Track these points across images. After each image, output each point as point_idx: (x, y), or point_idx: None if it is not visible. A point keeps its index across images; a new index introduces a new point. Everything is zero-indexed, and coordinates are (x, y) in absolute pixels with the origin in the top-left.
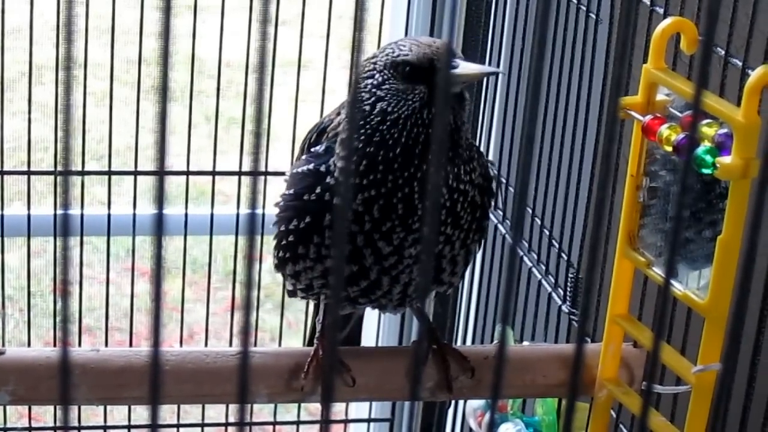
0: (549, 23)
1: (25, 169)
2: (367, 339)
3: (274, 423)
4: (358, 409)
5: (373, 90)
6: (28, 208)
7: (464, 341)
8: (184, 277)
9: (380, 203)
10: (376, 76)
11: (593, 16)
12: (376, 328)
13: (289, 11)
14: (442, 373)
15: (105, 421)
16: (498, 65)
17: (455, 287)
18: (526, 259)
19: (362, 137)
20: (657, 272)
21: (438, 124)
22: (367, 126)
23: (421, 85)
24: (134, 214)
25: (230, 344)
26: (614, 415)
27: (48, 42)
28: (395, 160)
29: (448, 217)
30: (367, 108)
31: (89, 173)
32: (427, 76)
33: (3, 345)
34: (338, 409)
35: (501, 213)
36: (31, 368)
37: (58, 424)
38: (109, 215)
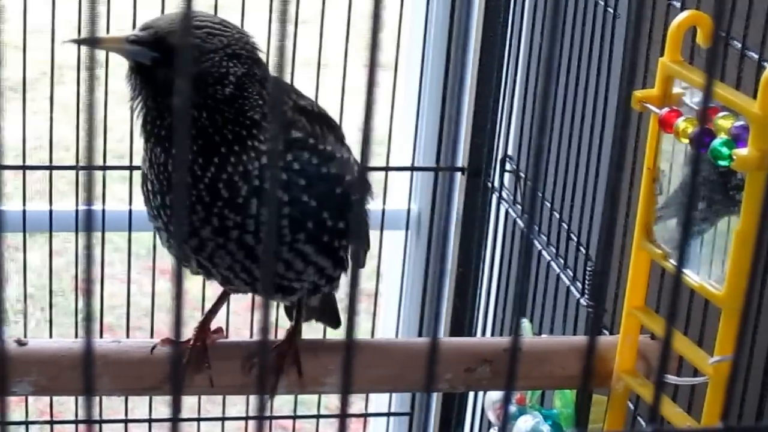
0: (560, 9)
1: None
2: (387, 331)
3: (294, 417)
4: (378, 404)
5: None
6: (50, 204)
7: (483, 333)
8: None
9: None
10: None
11: (611, 11)
12: (395, 321)
13: (309, 10)
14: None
15: (126, 414)
16: (517, 59)
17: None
18: (544, 252)
19: None
20: (674, 264)
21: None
22: None
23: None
24: None
25: None
26: (632, 407)
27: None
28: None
29: (209, 206)
30: None
31: (109, 168)
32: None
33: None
34: (359, 406)
35: (520, 208)
36: (54, 359)
37: (78, 417)
38: (130, 211)
